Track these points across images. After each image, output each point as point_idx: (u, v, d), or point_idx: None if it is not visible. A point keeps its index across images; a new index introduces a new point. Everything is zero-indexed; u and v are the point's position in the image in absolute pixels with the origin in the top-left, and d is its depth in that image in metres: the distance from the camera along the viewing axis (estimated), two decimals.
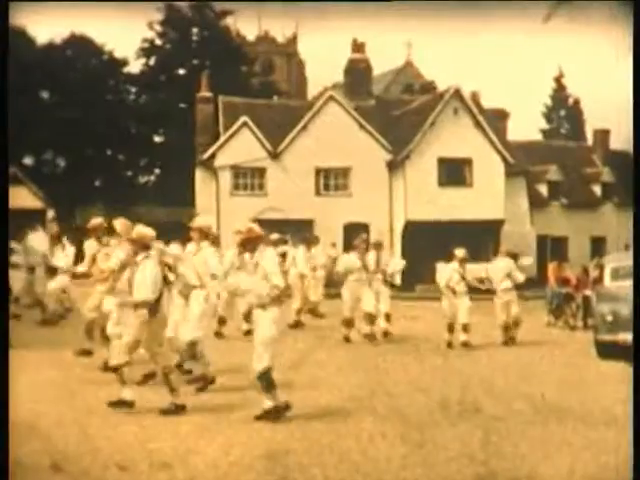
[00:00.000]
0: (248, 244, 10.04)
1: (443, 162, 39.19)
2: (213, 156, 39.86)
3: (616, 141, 51.69)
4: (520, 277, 18.36)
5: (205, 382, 11.47)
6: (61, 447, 8.23)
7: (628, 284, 14.67)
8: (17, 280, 18.66)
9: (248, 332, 15.65)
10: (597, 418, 10.11)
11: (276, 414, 9.63)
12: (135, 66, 59.00)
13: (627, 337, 14.67)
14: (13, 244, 18.55)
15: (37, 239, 19.28)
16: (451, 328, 17.47)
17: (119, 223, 12.21)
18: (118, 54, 57.39)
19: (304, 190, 39.50)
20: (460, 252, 17.82)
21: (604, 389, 12.38)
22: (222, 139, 40.17)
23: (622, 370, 13.28)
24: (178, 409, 9.79)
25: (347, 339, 17.43)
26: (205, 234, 12.52)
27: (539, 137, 67.06)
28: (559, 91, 73.71)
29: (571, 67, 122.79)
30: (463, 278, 17.60)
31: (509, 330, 18.14)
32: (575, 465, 8.01)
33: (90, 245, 13.99)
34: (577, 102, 73.39)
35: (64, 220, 35.20)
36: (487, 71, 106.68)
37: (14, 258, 16.97)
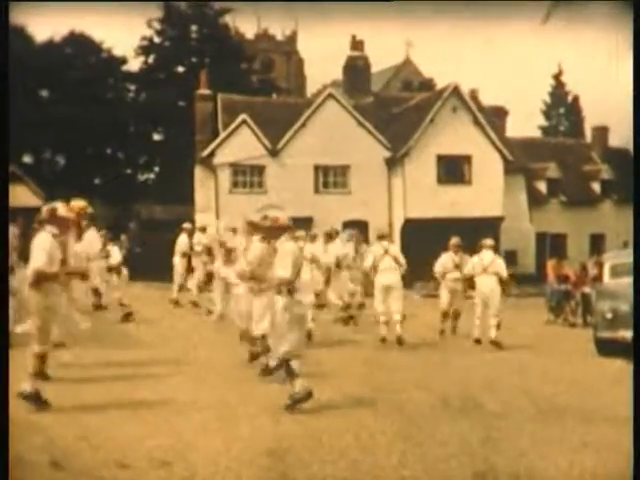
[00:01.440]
0: (271, 232, 10.45)
1: (442, 159, 39.26)
2: (212, 154, 39.88)
3: (615, 138, 51.80)
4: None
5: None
6: (61, 444, 8.23)
7: (627, 281, 14.70)
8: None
9: None
10: (597, 415, 10.12)
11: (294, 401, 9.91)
12: (134, 64, 59.14)
13: (626, 334, 14.70)
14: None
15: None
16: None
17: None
18: (117, 52, 57.61)
19: (303, 188, 39.53)
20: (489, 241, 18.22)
21: (604, 386, 12.39)
22: (221, 137, 40.18)
23: (622, 367, 13.31)
24: None
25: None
26: (257, 228, 12.48)
27: (538, 134, 67.10)
28: (558, 88, 73.76)
29: (570, 65, 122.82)
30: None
31: (447, 320, 18.38)
32: (575, 462, 8.01)
33: None
34: (576, 99, 73.44)
35: None
36: (486, 69, 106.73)
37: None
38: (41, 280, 9.59)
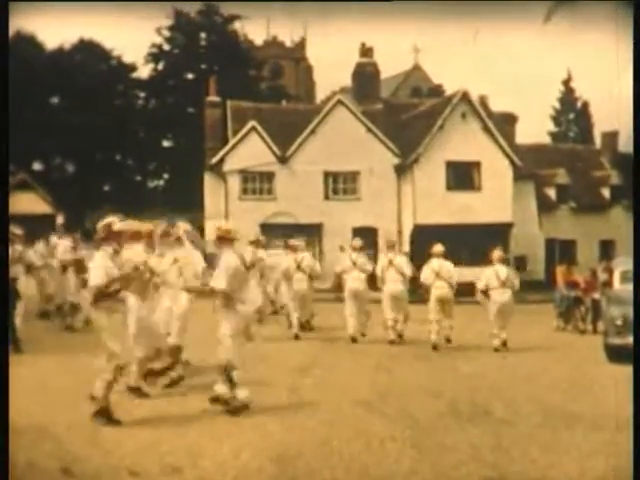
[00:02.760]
0: (221, 242, 10.34)
1: (451, 166, 39.23)
2: (222, 160, 39.95)
3: (625, 144, 51.64)
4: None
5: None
6: (72, 451, 8.24)
7: None
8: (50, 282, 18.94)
9: None
10: (607, 422, 10.08)
11: (226, 405, 10.01)
12: (144, 71, 59.32)
13: None
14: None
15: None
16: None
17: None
18: (126, 59, 57.72)
19: (313, 194, 39.56)
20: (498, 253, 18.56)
21: (614, 393, 12.35)
22: (231, 143, 40.25)
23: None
24: None
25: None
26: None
27: (547, 140, 66.99)
28: (567, 94, 73.65)
29: (579, 70, 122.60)
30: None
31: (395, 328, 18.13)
32: (585, 469, 8.00)
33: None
34: (585, 105, 73.32)
35: (73, 225, 35.30)
36: (495, 74, 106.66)
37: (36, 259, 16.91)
38: (100, 298, 9.55)
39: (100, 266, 9.64)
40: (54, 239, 19.58)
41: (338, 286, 21.25)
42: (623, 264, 18.25)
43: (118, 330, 9.62)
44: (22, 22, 46.56)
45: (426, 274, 18.20)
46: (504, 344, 17.53)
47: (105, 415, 9.45)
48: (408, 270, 18.13)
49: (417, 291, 19.72)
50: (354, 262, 18.24)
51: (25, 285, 16.00)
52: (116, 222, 10.08)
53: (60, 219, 40.19)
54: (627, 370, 14.08)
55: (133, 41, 58.71)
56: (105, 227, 9.94)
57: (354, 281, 18.13)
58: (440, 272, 17.99)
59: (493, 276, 17.87)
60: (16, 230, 16.04)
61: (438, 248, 18.38)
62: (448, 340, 17.96)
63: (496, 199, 38.78)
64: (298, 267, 18.78)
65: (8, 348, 9.75)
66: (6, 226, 9.81)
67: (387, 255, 18.30)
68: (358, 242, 19.08)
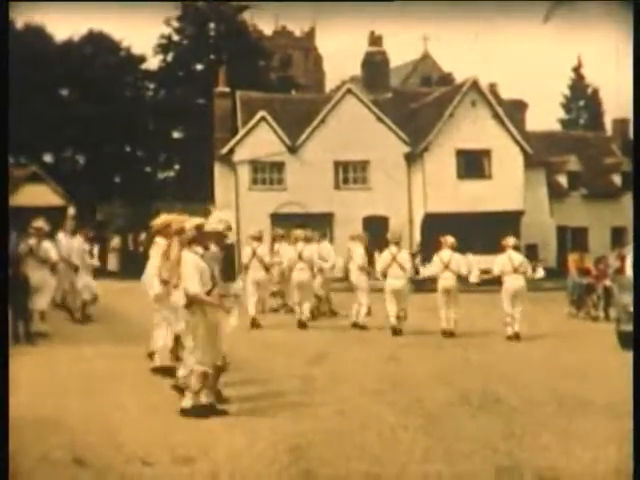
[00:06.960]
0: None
1: (462, 154, 39.16)
2: (232, 151, 39.96)
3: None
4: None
5: None
6: (84, 442, 8.26)
7: None
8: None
9: None
10: (620, 410, 10.04)
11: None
12: (153, 62, 59.31)
13: None
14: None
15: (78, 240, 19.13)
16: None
17: None
18: (136, 51, 57.75)
19: (323, 184, 39.56)
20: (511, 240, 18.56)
21: (627, 380, 12.31)
22: (240, 134, 40.25)
23: None
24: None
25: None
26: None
27: (558, 128, 66.77)
28: (578, 81, 73.38)
29: (590, 56, 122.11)
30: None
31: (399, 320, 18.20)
32: (599, 457, 7.97)
33: None
34: (596, 92, 73.04)
35: (85, 217, 35.41)
36: (505, 62, 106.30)
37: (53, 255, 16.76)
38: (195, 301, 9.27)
39: (196, 272, 9.19)
40: (60, 236, 19.35)
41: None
42: None
43: (209, 335, 9.36)
44: (31, 14, 46.59)
45: (435, 265, 18.31)
46: (517, 335, 17.47)
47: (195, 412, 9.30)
48: (408, 266, 18.48)
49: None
50: (351, 255, 18.99)
51: (42, 279, 15.85)
52: (206, 223, 9.62)
53: (71, 211, 40.30)
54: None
55: (142, 32, 58.60)
56: (196, 228, 9.46)
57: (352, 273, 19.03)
58: (449, 264, 18.07)
59: (507, 262, 17.95)
60: (38, 223, 15.95)
61: (449, 239, 18.41)
62: (451, 332, 17.86)
63: (507, 187, 38.71)
64: (299, 257, 19.14)
65: (8, 343, 9.72)
66: (6, 221, 9.75)
67: (391, 251, 18.30)
68: (356, 233, 20.28)
